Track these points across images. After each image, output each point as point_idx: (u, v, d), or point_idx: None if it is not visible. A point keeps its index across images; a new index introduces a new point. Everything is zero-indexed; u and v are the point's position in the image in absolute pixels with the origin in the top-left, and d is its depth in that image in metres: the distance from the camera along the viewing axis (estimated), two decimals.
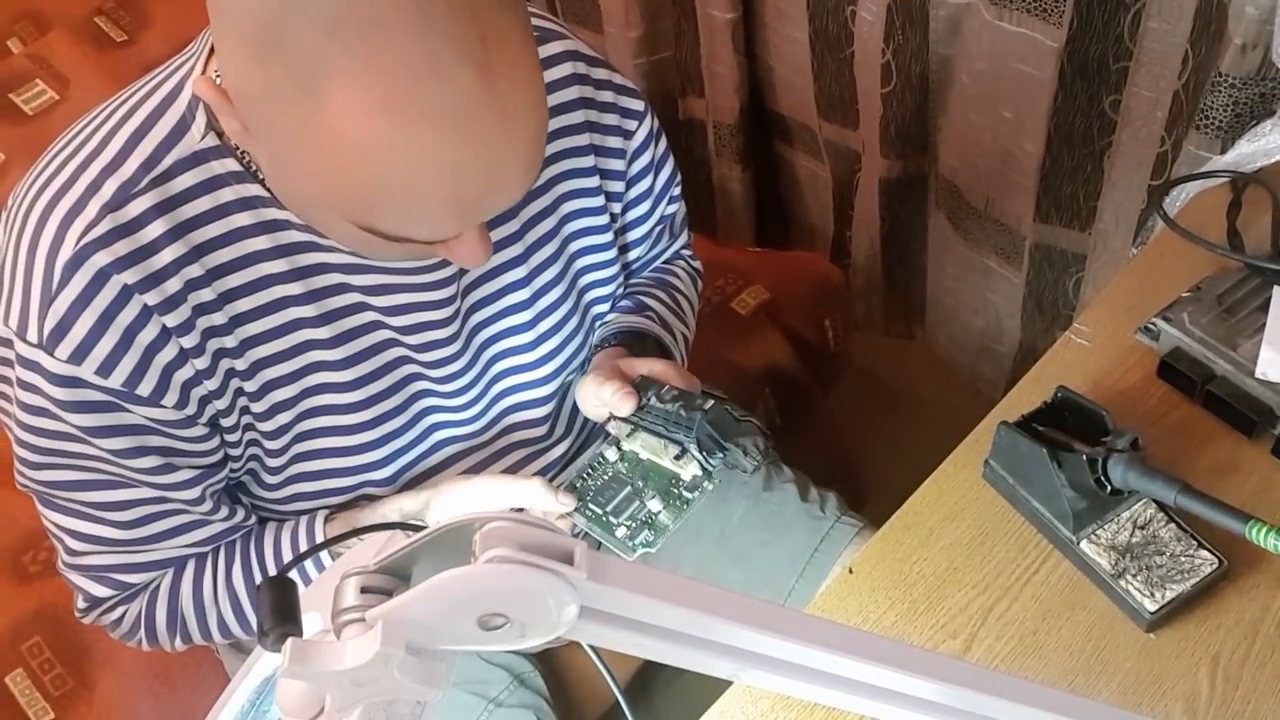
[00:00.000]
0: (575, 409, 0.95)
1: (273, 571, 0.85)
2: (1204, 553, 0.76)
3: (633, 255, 0.98)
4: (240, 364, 0.76)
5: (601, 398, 0.82)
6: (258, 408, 0.78)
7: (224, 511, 0.83)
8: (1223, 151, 1.04)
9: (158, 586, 0.85)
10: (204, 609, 0.85)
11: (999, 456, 0.83)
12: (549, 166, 0.85)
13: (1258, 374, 0.82)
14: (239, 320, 0.75)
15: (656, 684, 1.23)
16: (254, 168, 0.73)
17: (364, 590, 0.38)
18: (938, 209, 1.55)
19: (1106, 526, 0.78)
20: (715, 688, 0.75)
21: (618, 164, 0.90)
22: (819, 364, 1.45)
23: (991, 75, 1.30)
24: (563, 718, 1.03)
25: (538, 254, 0.87)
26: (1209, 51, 1.09)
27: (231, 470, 0.82)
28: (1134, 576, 0.75)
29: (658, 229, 0.99)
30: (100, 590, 0.83)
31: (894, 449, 1.53)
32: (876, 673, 0.42)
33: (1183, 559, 0.76)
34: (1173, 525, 0.77)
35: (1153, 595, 0.74)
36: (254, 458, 0.82)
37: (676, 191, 0.99)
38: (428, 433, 0.88)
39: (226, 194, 0.72)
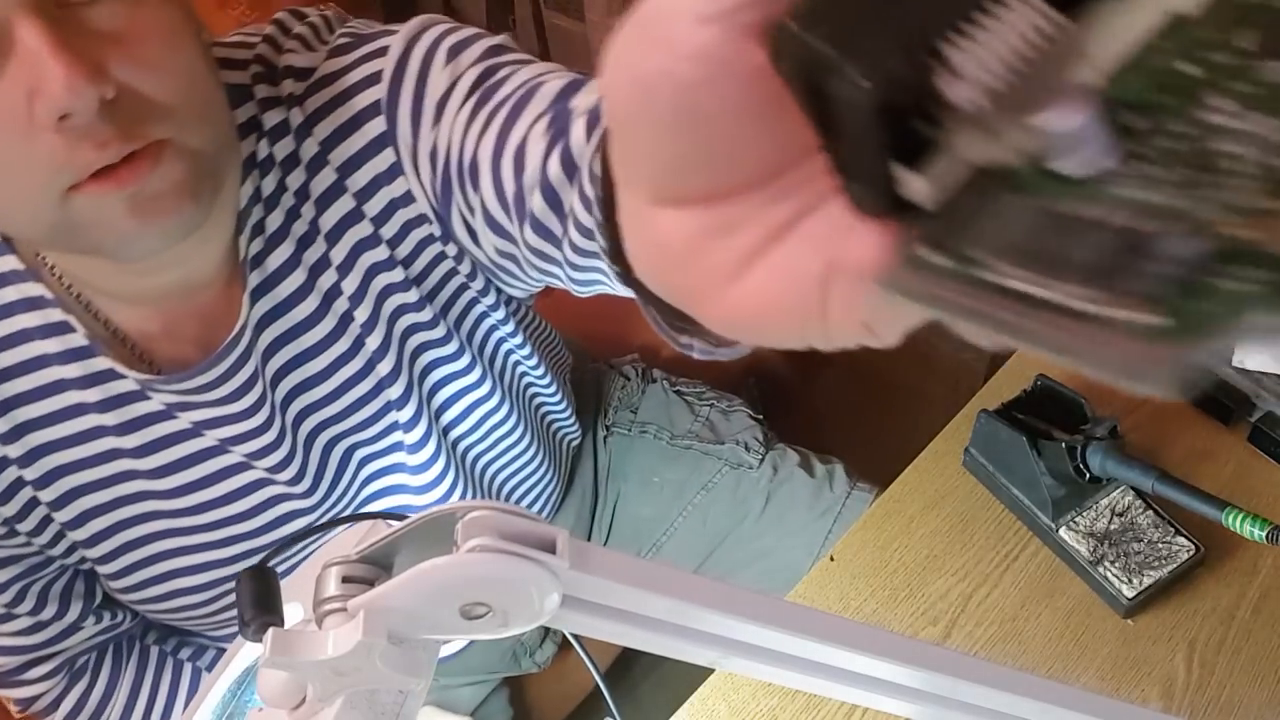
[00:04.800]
0: (472, 465, 0.91)
1: None
2: (1181, 539, 0.77)
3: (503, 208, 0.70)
4: (46, 494, 0.74)
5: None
6: (74, 531, 0.77)
7: (51, 610, 0.80)
8: None
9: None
10: None
11: (979, 444, 0.83)
12: (333, 245, 0.77)
13: (1234, 362, 0.82)
14: (39, 449, 0.73)
15: (637, 671, 1.23)
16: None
17: (345, 580, 0.38)
18: None
19: (1085, 514, 0.78)
20: (697, 674, 0.75)
21: (392, 186, 0.76)
22: (802, 353, 1.45)
23: None
24: (543, 704, 1.03)
25: (352, 328, 0.80)
26: None
27: (63, 565, 0.80)
28: (1112, 563, 0.76)
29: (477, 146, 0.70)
30: None
31: (875, 437, 1.54)
32: (856, 659, 0.42)
33: (1160, 546, 0.77)
34: (1150, 512, 0.78)
35: (1130, 582, 0.75)
36: (84, 560, 0.80)
37: (473, 72, 0.70)
38: (277, 523, 0.83)
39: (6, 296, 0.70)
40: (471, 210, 0.71)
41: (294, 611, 0.41)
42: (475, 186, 0.69)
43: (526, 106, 0.65)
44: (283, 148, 0.73)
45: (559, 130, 0.62)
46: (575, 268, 0.64)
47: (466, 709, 1.03)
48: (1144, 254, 0.24)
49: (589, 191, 0.57)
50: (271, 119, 0.73)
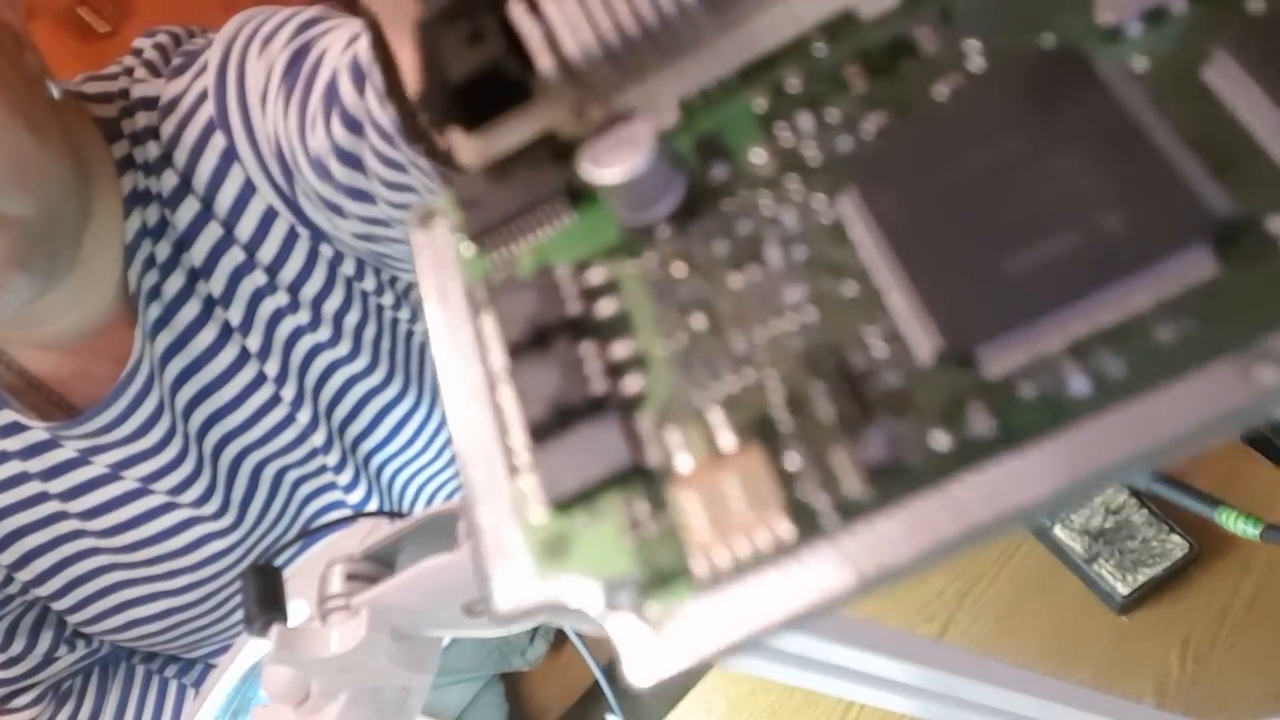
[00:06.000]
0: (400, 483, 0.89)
1: None
2: (1175, 537, 0.77)
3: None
4: None
5: None
6: (20, 572, 0.76)
7: (20, 645, 0.79)
8: None
9: None
10: None
11: None
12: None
13: None
14: None
15: None
16: None
17: (350, 577, 0.38)
18: None
19: (1080, 512, 0.79)
20: (694, 671, 0.75)
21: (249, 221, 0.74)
22: None
23: None
24: (540, 700, 1.03)
25: (260, 354, 0.78)
26: None
27: (24, 601, 0.79)
28: (1106, 560, 0.77)
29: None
30: None
31: None
32: (853, 656, 0.42)
33: (1154, 543, 0.77)
34: (1144, 510, 0.79)
35: (1125, 579, 0.76)
36: (38, 598, 0.79)
37: (285, 55, 0.69)
38: (211, 560, 0.82)
39: None
40: (310, 196, 0.69)
41: (299, 608, 0.41)
42: (299, 170, 0.67)
43: (317, 75, 0.64)
44: (154, 182, 0.72)
45: (331, 91, 0.60)
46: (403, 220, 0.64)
47: (454, 709, 1.03)
48: (582, 403, 0.17)
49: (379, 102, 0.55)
50: (140, 154, 0.71)
